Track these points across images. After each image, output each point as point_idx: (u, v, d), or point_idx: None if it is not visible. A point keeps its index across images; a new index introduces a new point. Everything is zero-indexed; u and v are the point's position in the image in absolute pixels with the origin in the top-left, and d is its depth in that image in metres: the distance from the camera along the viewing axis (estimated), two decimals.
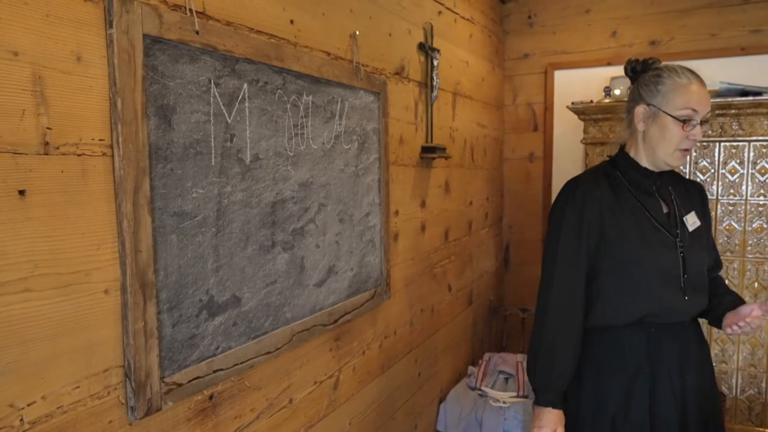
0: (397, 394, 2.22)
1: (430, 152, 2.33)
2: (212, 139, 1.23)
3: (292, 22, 1.51)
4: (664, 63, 1.52)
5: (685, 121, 1.41)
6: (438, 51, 2.38)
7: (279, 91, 1.43)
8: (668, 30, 3.02)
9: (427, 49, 2.32)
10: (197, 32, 1.16)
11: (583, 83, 3.14)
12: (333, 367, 1.77)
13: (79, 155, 0.96)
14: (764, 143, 2.33)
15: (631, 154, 1.54)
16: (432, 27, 2.35)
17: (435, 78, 2.35)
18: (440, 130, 2.51)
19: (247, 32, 1.35)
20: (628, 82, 2.85)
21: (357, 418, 1.93)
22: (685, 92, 1.42)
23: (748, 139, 2.34)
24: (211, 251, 1.24)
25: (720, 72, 2.77)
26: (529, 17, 3.33)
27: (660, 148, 1.46)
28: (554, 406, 1.47)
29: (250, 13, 1.36)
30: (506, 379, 2.71)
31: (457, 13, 2.68)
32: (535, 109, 3.37)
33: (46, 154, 0.91)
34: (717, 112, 2.35)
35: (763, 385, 2.44)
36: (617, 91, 2.78)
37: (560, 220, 1.50)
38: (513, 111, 3.43)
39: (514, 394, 2.58)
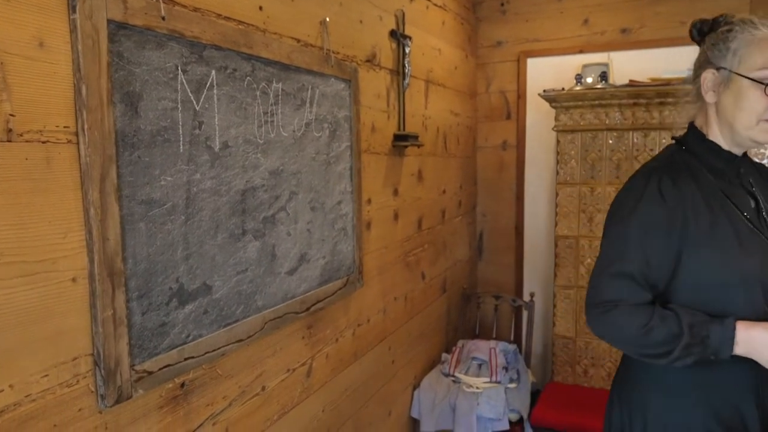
0: (370, 382, 2.25)
1: (402, 140, 2.36)
2: (180, 127, 1.24)
3: (260, 8, 1.52)
4: (740, 15, 1.24)
5: (766, 84, 1.15)
6: (410, 38, 2.40)
7: (248, 78, 1.44)
8: (639, 18, 3.08)
9: (398, 37, 2.34)
10: (163, 18, 1.17)
11: (556, 71, 3.19)
12: (306, 355, 1.79)
13: (43, 142, 0.96)
14: None
15: (705, 132, 1.27)
16: (404, 14, 2.37)
17: (407, 65, 2.37)
18: (413, 118, 2.54)
19: (215, 18, 1.35)
20: (599, 69, 2.96)
21: (330, 405, 1.96)
22: (761, 45, 1.17)
23: None
24: (180, 239, 1.25)
25: (688, 60, 2.84)
26: (502, 5, 3.37)
27: (738, 120, 1.19)
28: (729, 326, 1.09)
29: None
30: (479, 365, 2.77)
31: (429, 0, 2.70)
32: (507, 97, 3.41)
33: (10, 141, 0.91)
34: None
35: None
36: (589, 79, 2.84)
37: (630, 215, 1.19)
38: (486, 99, 3.47)
39: (487, 379, 2.64)
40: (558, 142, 2.71)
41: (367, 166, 2.12)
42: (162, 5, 1.16)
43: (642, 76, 2.71)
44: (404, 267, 2.53)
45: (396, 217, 2.43)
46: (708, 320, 1.11)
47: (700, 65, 1.27)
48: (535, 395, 2.75)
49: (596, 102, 2.57)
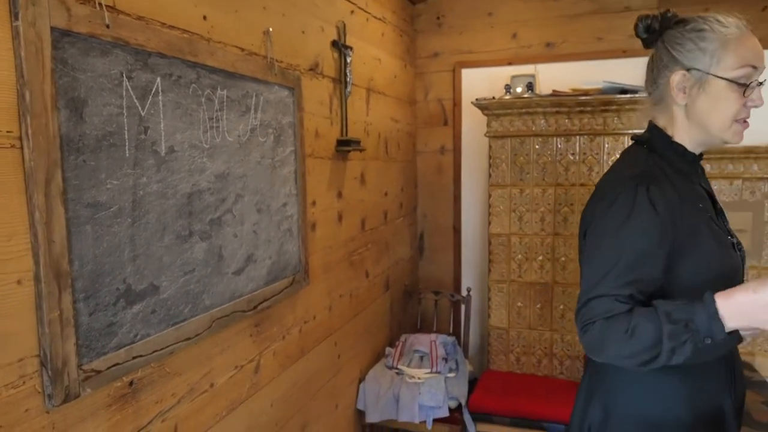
0: (317, 376, 2.26)
1: (345, 145, 2.39)
2: (126, 132, 1.23)
3: (204, 17, 1.51)
4: (698, 15, 1.16)
5: (743, 84, 1.11)
6: (351, 48, 2.43)
7: (193, 85, 1.44)
8: (561, 33, 3.23)
9: (340, 47, 2.37)
10: (108, 26, 1.16)
11: (488, 81, 3.30)
12: (253, 352, 1.79)
13: None
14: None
15: (670, 133, 1.22)
16: (345, 25, 2.40)
17: (348, 74, 2.41)
18: (355, 124, 2.57)
19: (160, 27, 1.34)
20: (526, 80, 3.07)
21: (279, 399, 1.96)
22: (738, 44, 1.11)
23: (626, 132, 2.58)
24: (127, 241, 1.24)
25: (604, 72, 3.00)
26: (438, 18, 3.45)
27: (714, 122, 1.14)
28: (709, 302, 0.98)
29: (161, 8, 1.36)
30: (421, 358, 2.82)
31: (369, 13, 2.74)
32: (444, 105, 3.50)
33: None
34: (601, 108, 2.56)
35: None
36: (518, 89, 2.95)
37: (623, 229, 1.10)
38: (424, 106, 3.55)
39: (428, 370, 2.70)
40: (490, 147, 2.80)
41: (311, 169, 2.14)
42: (106, 13, 1.15)
43: (564, 87, 2.84)
44: (349, 266, 2.56)
45: (340, 218, 2.45)
46: (686, 303, 1.01)
47: (664, 66, 1.18)
48: (472, 383, 2.81)
49: (524, 110, 2.68)
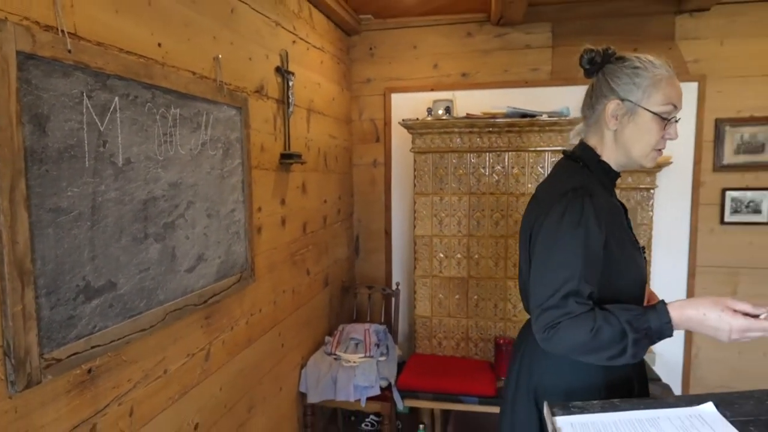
0: (263, 363, 2.27)
1: (288, 158, 2.42)
2: (86, 145, 1.22)
3: (159, 45, 1.52)
4: (634, 54, 1.21)
5: (664, 119, 1.17)
6: (293, 74, 2.47)
7: (149, 104, 1.44)
8: (475, 65, 3.40)
9: (283, 72, 2.40)
10: (69, 51, 1.16)
11: (413, 104, 3.41)
12: (204, 341, 1.79)
13: None
14: (537, 152, 2.75)
15: (599, 152, 1.26)
16: (287, 54, 2.44)
17: (291, 96, 2.45)
18: (297, 140, 2.60)
19: (118, 52, 1.34)
20: (445, 104, 3.21)
21: (227, 384, 1.96)
22: (666, 86, 1.16)
23: (527, 149, 2.75)
24: (87, 242, 1.23)
25: (509, 98, 3.19)
26: (370, 49, 3.54)
27: (636, 148, 1.20)
28: (662, 312, 1.06)
29: (120, 36, 1.36)
30: (356, 344, 2.87)
31: (309, 43, 2.79)
32: (376, 124, 3.59)
33: None
34: (506, 129, 2.72)
35: None
36: (440, 111, 3.09)
37: (573, 238, 1.11)
38: (359, 125, 3.62)
39: (362, 355, 2.76)
40: (415, 161, 2.90)
41: (257, 179, 2.16)
42: (68, 40, 1.15)
43: (477, 110, 2.99)
44: (292, 265, 2.58)
45: (283, 222, 2.47)
46: (642, 312, 1.06)
47: (603, 95, 1.21)
48: (401, 365, 2.89)
49: (442, 130, 2.80)
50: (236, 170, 1.95)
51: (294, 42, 2.58)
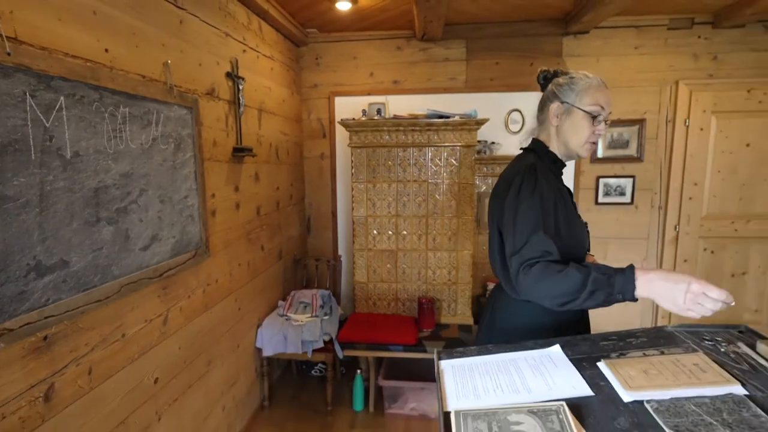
0: (221, 325, 2.22)
1: (240, 152, 2.34)
2: (31, 139, 1.14)
3: (106, 50, 1.42)
4: (573, 69, 1.32)
5: (593, 117, 1.23)
6: (243, 79, 2.38)
7: (96, 103, 1.35)
8: (403, 74, 3.38)
9: (233, 77, 2.31)
10: (9, 54, 1.06)
11: (353, 106, 3.38)
12: (162, 309, 1.73)
13: None
14: (451, 147, 2.79)
15: (548, 145, 1.32)
16: (237, 61, 2.35)
17: (241, 98, 2.36)
18: (249, 136, 2.53)
19: (63, 56, 1.25)
20: (378, 106, 3.19)
21: (186, 344, 1.91)
22: (594, 91, 1.23)
23: (443, 145, 2.78)
24: (35, 227, 1.16)
25: (432, 103, 3.21)
26: (317, 58, 3.46)
27: (572, 140, 1.26)
28: (630, 272, 1.01)
29: (64, 41, 1.26)
30: (305, 307, 2.86)
31: (259, 52, 2.69)
32: (323, 123, 3.53)
33: None
34: (426, 128, 2.74)
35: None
36: (374, 112, 3.07)
37: (533, 196, 1.16)
38: (308, 124, 3.55)
39: (309, 315, 2.75)
40: (352, 154, 2.89)
41: (210, 170, 2.08)
42: (7, 44, 1.06)
43: (404, 112, 2.99)
44: (247, 242, 2.53)
45: (238, 206, 2.41)
46: (613, 268, 1.02)
47: (548, 99, 1.29)
48: (343, 322, 2.91)
49: (374, 128, 2.78)
50: (188, 162, 1.87)
51: (244, 51, 2.48)
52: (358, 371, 2.81)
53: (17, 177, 1.10)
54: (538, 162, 1.26)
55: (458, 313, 2.94)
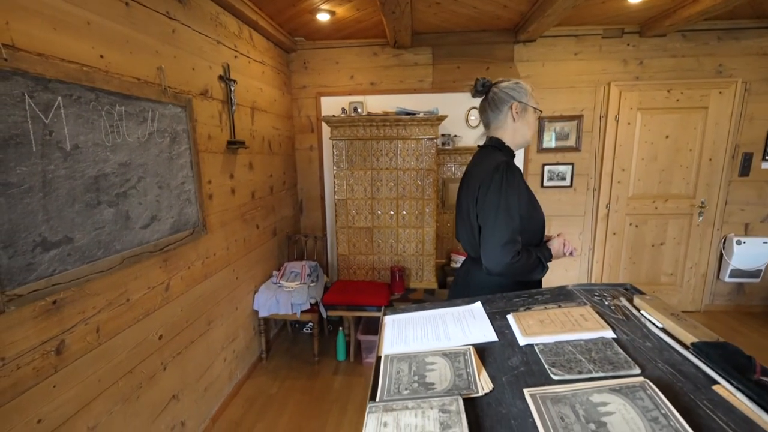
0: (220, 291, 2.24)
1: (233, 144, 2.32)
2: (31, 134, 1.12)
3: (101, 56, 1.39)
4: (510, 79, 1.34)
5: (537, 113, 1.31)
6: (235, 81, 2.34)
7: (93, 102, 1.33)
8: (379, 76, 3.34)
9: (225, 80, 2.27)
10: (6, 59, 1.04)
11: (336, 104, 3.33)
12: (163, 277, 1.74)
13: None
14: (417, 140, 2.78)
15: (504, 141, 1.33)
16: (229, 66, 2.30)
17: (233, 98, 2.32)
18: (242, 131, 2.49)
19: (59, 61, 1.22)
20: (357, 105, 3.16)
21: (187, 307, 1.92)
22: (533, 94, 1.32)
23: (410, 138, 2.77)
24: (40, 208, 1.15)
25: (404, 102, 3.18)
26: (305, 63, 3.39)
27: (527, 133, 1.31)
28: (545, 246, 1.29)
29: (60, 48, 1.23)
30: (295, 275, 2.88)
31: (250, 57, 2.64)
32: (311, 119, 3.49)
33: None
34: (395, 123, 2.72)
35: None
36: (353, 110, 3.04)
37: (510, 193, 1.20)
38: (299, 120, 3.51)
39: (298, 283, 2.78)
40: (333, 146, 2.87)
41: (206, 160, 2.06)
42: (3, 50, 1.03)
43: (380, 110, 2.97)
44: (242, 222, 2.52)
45: (233, 191, 2.39)
46: (541, 247, 1.26)
47: (504, 102, 1.30)
48: (327, 288, 2.94)
49: (351, 124, 2.76)
50: (184, 153, 1.85)
51: (236, 57, 2.42)
52: (341, 328, 2.86)
53: (20, 166, 1.09)
54: (509, 158, 1.28)
55: (424, 279, 2.98)
